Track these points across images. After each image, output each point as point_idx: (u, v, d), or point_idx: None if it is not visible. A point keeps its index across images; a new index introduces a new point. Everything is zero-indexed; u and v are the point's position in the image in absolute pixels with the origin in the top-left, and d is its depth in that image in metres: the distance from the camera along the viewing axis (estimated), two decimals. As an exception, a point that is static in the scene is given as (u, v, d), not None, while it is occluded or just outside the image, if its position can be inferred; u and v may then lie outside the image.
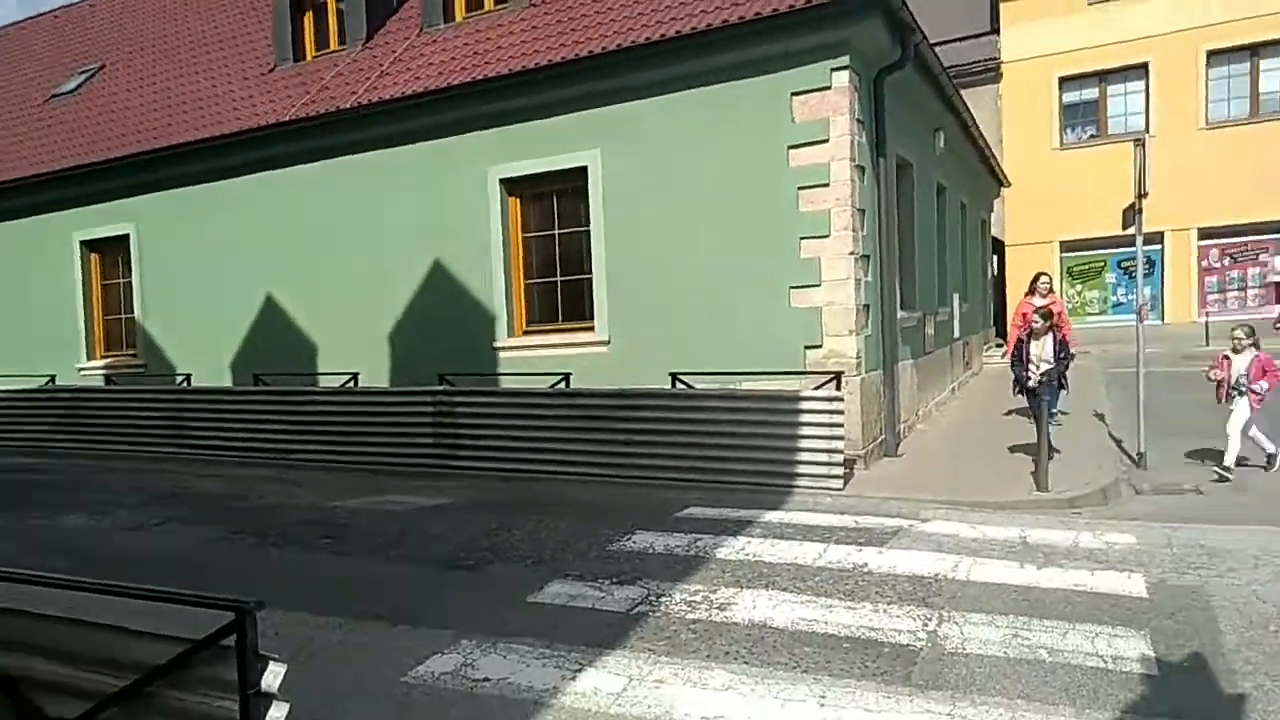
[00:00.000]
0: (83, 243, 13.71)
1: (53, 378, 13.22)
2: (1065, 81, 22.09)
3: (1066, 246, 21.93)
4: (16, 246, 14.30)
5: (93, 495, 9.13)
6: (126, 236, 13.22)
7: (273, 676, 2.38)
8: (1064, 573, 5.47)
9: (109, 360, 13.66)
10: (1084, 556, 5.82)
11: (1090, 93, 22.16)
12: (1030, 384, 8.72)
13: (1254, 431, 8.10)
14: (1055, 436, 8.61)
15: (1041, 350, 8.81)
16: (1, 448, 12.79)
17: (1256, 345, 8.20)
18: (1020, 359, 8.96)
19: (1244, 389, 8.02)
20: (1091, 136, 22.14)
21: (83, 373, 13.66)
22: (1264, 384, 7.97)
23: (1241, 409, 8.05)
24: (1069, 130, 22.43)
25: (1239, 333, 8.25)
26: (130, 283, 13.36)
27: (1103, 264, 22.02)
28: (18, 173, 14.17)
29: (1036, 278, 11.19)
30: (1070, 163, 21.66)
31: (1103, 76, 21.83)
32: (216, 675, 2.42)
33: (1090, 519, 6.91)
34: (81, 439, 12.11)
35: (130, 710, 2.51)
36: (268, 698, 2.37)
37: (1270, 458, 8.09)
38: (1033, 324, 9.00)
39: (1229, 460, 7.95)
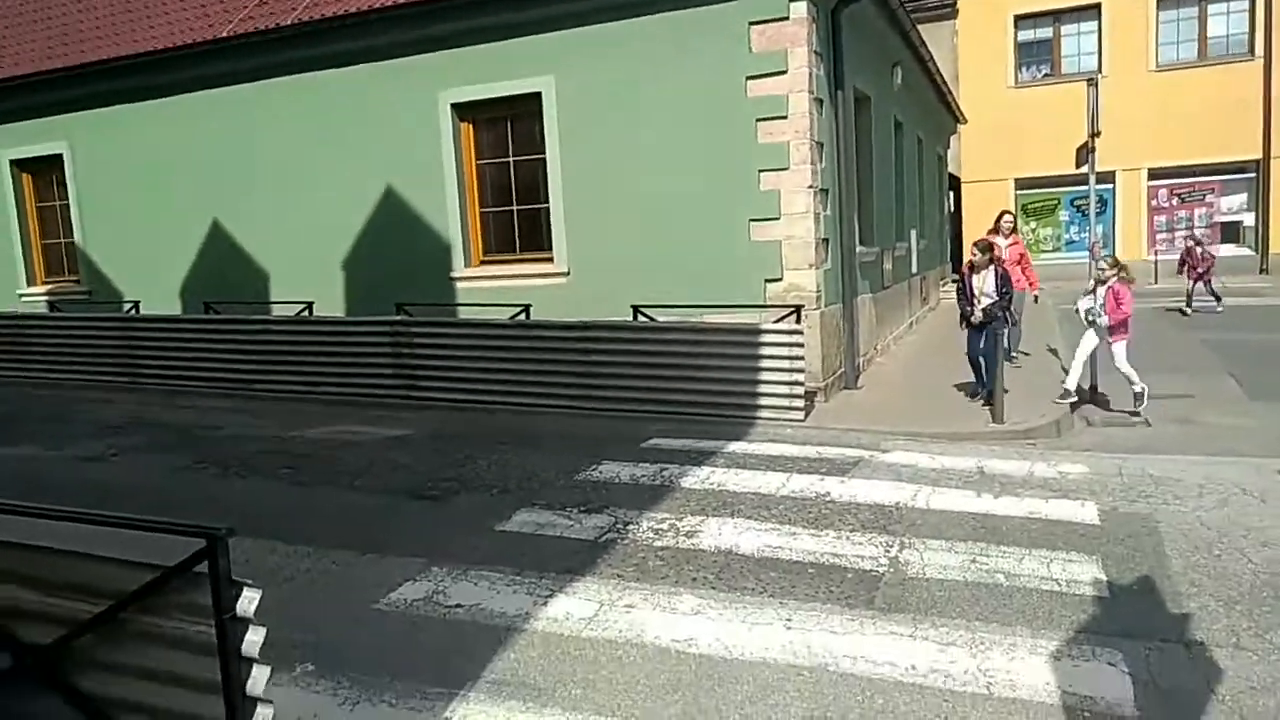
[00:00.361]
0: (12, 162, 13.05)
1: (-9, 304, 12.73)
2: (1020, 20, 22.12)
3: (1021, 184, 22.21)
4: (-59, 165, 13.57)
5: (45, 425, 8.87)
6: (60, 156, 12.59)
7: (247, 602, 2.36)
8: (1020, 501, 5.65)
9: (51, 286, 13.13)
10: (1039, 485, 6.01)
11: (1045, 32, 22.22)
12: (973, 319, 8.70)
13: (1124, 366, 8.18)
14: (1010, 371, 8.78)
15: (983, 284, 8.74)
16: (-65, 377, 12.32)
17: (1121, 278, 8.35)
18: (964, 293, 8.93)
19: (1094, 319, 8.30)
20: (1045, 75, 22.26)
21: (24, 299, 13.14)
22: (1105, 316, 8.21)
23: (1089, 339, 8.41)
24: (1024, 69, 22.52)
25: (1103, 263, 8.49)
26: (67, 205, 12.78)
27: (1056, 202, 22.36)
28: (-64, 86, 13.37)
29: (1000, 216, 11.14)
30: (1025, 101, 21.80)
31: (1057, 16, 21.89)
32: (191, 601, 2.39)
33: (1044, 450, 7.13)
34: (28, 368, 11.66)
35: (106, 636, 2.47)
36: (244, 622, 2.35)
37: (1137, 396, 8.17)
38: (972, 258, 8.92)
39: (1070, 384, 8.38)
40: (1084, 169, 9.37)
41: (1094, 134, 9.04)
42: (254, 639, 2.35)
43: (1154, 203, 21.58)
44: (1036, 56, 22.43)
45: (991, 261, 8.83)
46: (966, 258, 9.24)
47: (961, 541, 4.97)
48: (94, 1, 13.61)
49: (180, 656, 2.37)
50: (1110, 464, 6.50)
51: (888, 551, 4.85)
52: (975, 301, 8.74)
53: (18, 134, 12.83)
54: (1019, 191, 22.35)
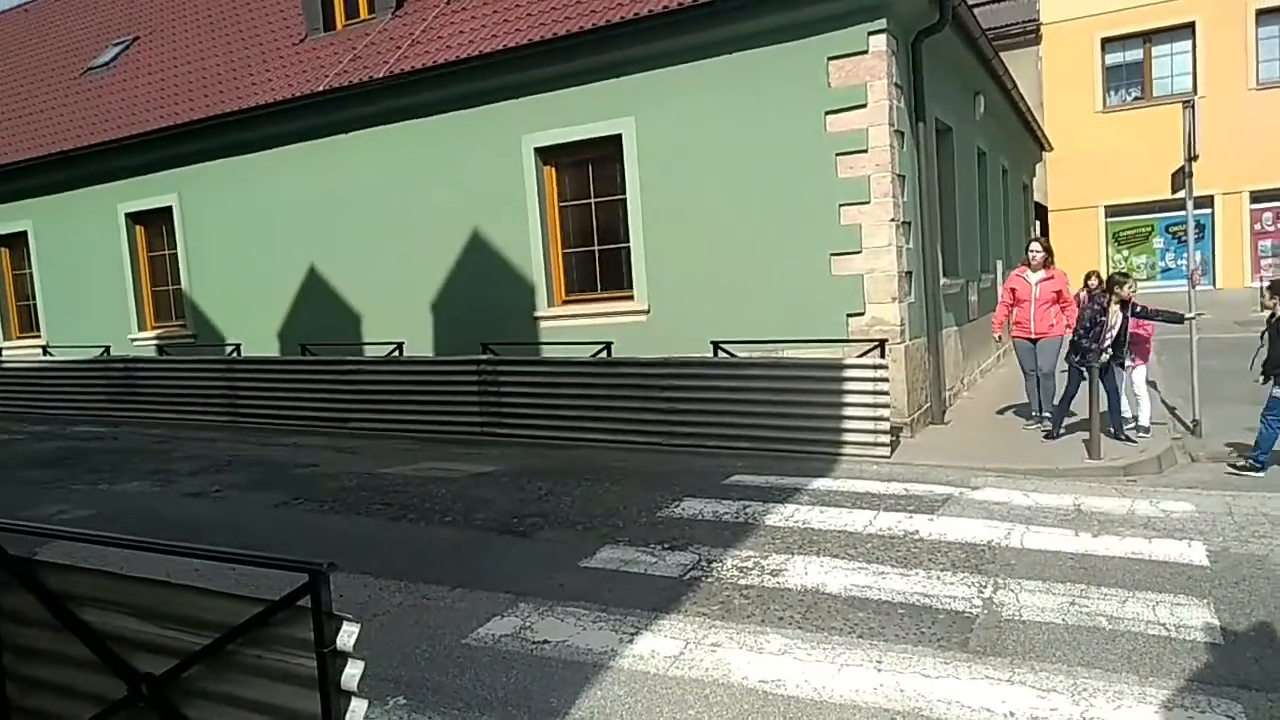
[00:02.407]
0: (127, 215, 13.88)
1: (107, 348, 13.48)
2: (1108, 42, 21.53)
3: (1111, 211, 21.49)
4: (65, 219, 14.51)
5: (152, 463, 9.33)
6: (170, 208, 13.35)
7: (347, 636, 2.41)
8: (1121, 540, 5.42)
9: (160, 330, 13.88)
10: (1141, 524, 5.75)
11: (1134, 54, 21.57)
12: (1104, 359, 8.00)
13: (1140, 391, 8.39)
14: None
15: (1115, 322, 8.07)
16: (62, 416, 13.11)
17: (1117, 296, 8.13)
18: (1090, 328, 8.07)
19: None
20: (1136, 98, 21.59)
21: (135, 343, 13.89)
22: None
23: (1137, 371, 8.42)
24: (1112, 92, 21.88)
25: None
26: (175, 254, 13.52)
27: (1150, 229, 21.56)
28: (59, 146, 14.33)
29: (1028, 246, 9.35)
30: (1114, 125, 21.15)
31: (1147, 37, 21.24)
32: (292, 634, 2.46)
33: (1145, 487, 6.82)
34: (137, 408, 12.37)
35: (213, 666, 2.56)
36: (343, 656, 2.41)
37: (1141, 427, 8.23)
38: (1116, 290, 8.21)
39: (1144, 419, 8.23)
40: (1180, 194, 9.00)
41: (1191, 157, 8.69)
42: (353, 672, 2.40)
43: (1257, 227, 20.60)
44: (1126, 79, 21.78)
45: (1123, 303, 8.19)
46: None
47: (1059, 582, 4.79)
48: (198, 62, 14.46)
49: (282, 688, 2.44)
50: (1218, 502, 6.19)
51: (981, 592, 4.70)
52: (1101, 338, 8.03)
53: (132, 189, 13.66)
54: (1109, 219, 21.63)
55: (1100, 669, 3.81)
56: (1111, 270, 9.49)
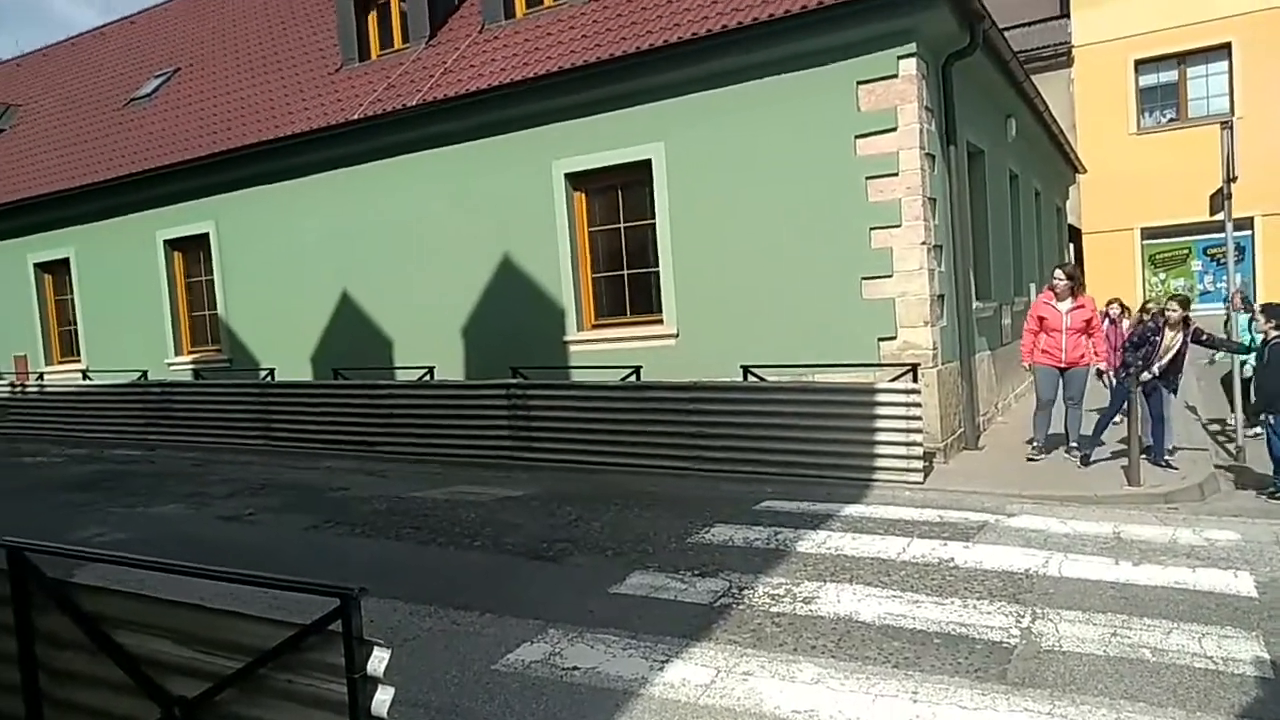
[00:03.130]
0: (166, 241, 14.16)
1: (145, 373, 13.71)
2: (1141, 64, 21.31)
3: (1148, 233, 21.17)
4: (105, 246, 14.84)
5: (188, 486, 9.44)
6: (206, 235, 13.62)
7: (378, 661, 2.40)
8: (1163, 570, 5.29)
9: (196, 355, 14.11)
10: (1184, 553, 5.61)
11: (1169, 75, 21.32)
12: (1143, 376, 7.91)
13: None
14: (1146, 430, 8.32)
15: (1172, 343, 8.04)
16: (100, 439, 13.32)
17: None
18: (1138, 349, 8.12)
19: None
20: (1171, 120, 21.33)
21: (172, 367, 14.13)
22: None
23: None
24: (1147, 114, 21.62)
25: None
26: (212, 279, 13.76)
27: (1187, 251, 21.21)
28: (101, 175, 14.69)
29: (1053, 273, 8.97)
30: (1149, 147, 20.88)
31: (1181, 59, 20.99)
32: (323, 659, 2.46)
33: (1188, 515, 6.67)
34: (173, 431, 12.56)
35: (245, 690, 2.57)
36: (373, 682, 2.40)
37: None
38: (1170, 311, 8.16)
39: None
40: (1219, 216, 8.86)
41: (1230, 179, 8.56)
42: (383, 698, 2.39)
43: (1298, 248, 20.18)
44: (1160, 101, 21.53)
45: (1184, 320, 8.11)
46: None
47: (1100, 613, 4.68)
48: (237, 93, 14.79)
49: (313, 714, 2.44)
50: (1265, 530, 6.03)
51: (1019, 622, 4.60)
52: (1154, 360, 8.00)
53: (171, 216, 13.95)
54: (1145, 241, 21.30)
55: (1145, 702, 3.70)
56: (1159, 294, 9.24)
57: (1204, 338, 8.11)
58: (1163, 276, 21.38)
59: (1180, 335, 8.01)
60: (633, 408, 8.95)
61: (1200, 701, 3.69)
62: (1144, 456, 7.84)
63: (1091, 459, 8.15)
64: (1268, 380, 7.12)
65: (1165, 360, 8.01)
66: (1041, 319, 8.66)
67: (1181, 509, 6.87)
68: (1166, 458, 8.05)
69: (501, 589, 5.49)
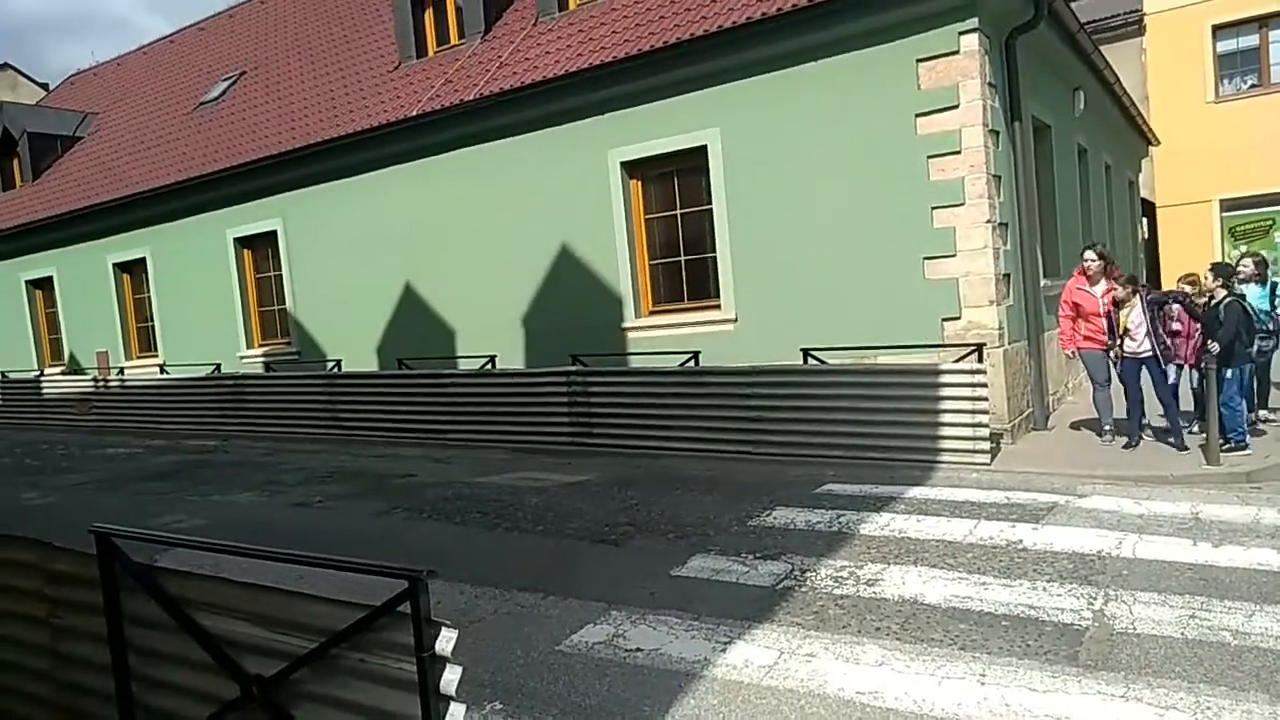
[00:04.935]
0: (236, 239, 14.59)
1: (218, 366, 14.18)
2: (1219, 29, 20.40)
3: (1227, 205, 20.32)
4: (178, 245, 15.36)
5: (261, 475, 9.76)
6: (274, 232, 13.99)
7: (445, 641, 2.45)
8: (1245, 551, 5.10)
9: (266, 348, 14.53)
10: (1267, 534, 5.40)
11: (1249, 40, 20.38)
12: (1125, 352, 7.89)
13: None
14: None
15: (1128, 318, 7.87)
16: (177, 431, 13.84)
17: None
18: (1111, 332, 7.99)
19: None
20: (1253, 86, 20.40)
21: (244, 360, 14.58)
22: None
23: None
24: (1225, 81, 20.71)
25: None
26: (280, 275, 14.15)
27: (1270, 222, 20.32)
28: (173, 176, 15.20)
29: (1083, 253, 8.54)
30: (1229, 115, 20.01)
31: (1263, 21, 20.05)
32: (393, 639, 2.52)
33: (1272, 495, 6.40)
34: (245, 422, 13.00)
35: (319, 670, 2.65)
36: (442, 661, 2.45)
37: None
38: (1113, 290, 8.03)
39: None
40: (1304, 184, 8.48)
41: (1316, 144, 8.18)
42: (451, 677, 2.44)
43: (1391, 215, 19.19)
44: (1241, 67, 20.60)
45: (1135, 292, 7.98)
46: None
47: (1177, 594, 4.54)
48: (300, 94, 15.12)
49: (383, 692, 2.50)
50: (1355, 510, 5.77)
51: (1091, 604, 4.49)
52: (1131, 340, 7.89)
53: (240, 215, 14.38)
54: (1224, 213, 20.47)
55: (1225, 686, 3.59)
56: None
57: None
58: (1243, 249, 20.53)
59: (1138, 305, 7.87)
60: (691, 393, 8.95)
61: (1285, 686, 3.57)
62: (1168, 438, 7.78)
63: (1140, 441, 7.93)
64: (1223, 337, 7.25)
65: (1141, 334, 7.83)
66: (1078, 305, 8.31)
67: (1264, 489, 6.60)
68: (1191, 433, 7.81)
69: (564, 572, 5.55)
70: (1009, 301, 8.75)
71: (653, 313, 10.53)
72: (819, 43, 8.88)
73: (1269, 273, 8.43)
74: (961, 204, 8.38)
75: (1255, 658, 3.82)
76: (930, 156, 8.48)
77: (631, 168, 10.44)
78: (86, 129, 20.44)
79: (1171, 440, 7.79)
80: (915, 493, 6.86)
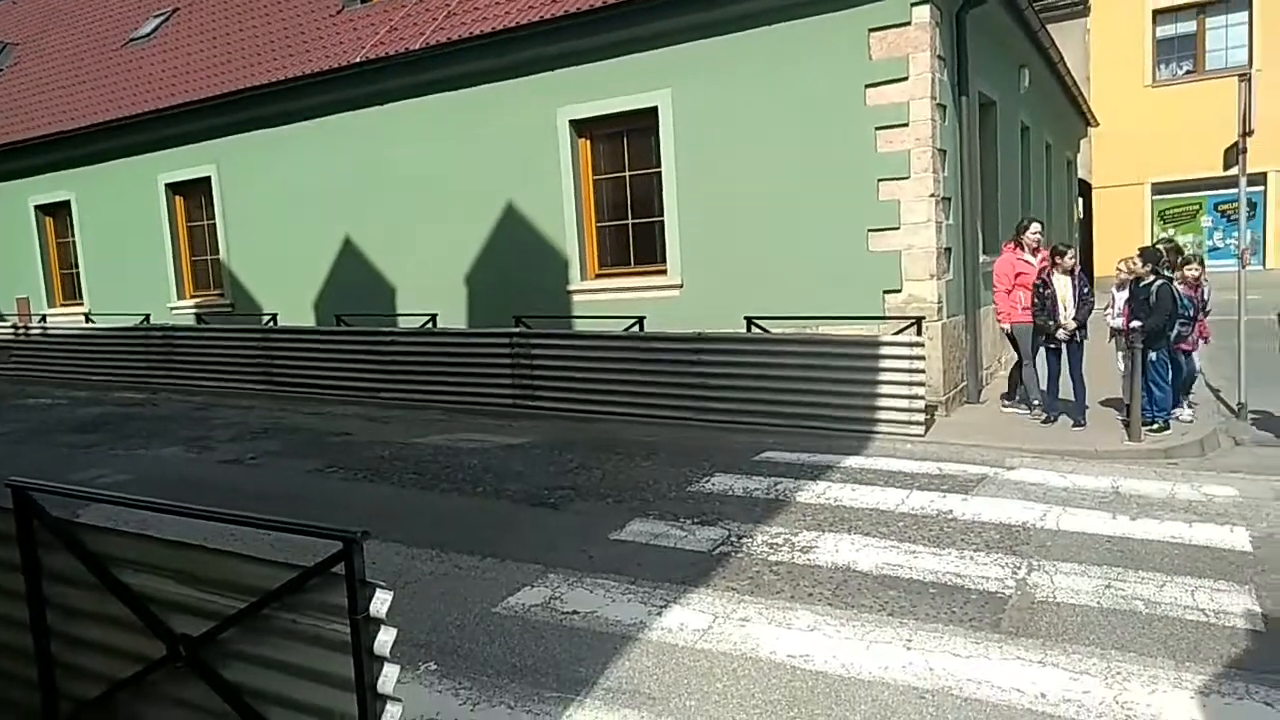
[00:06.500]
0: (167, 185, 14.05)
1: (147, 316, 13.70)
2: (1160, 14, 20.88)
3: (1158, 189, 20.96)
4: (106, 189, 14.73)
5: (190, 429, 9.49)
6: (208, 178, 13.51)
7: (380, 603, 2.43)
8: (1160, 524, 5.32)
9: (198, 299, 14.09)
10: (1181, 508, 5.65)
11: (1187, 26, 20.91)
12: (1059, 334, 7.96)
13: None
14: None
15: (1064, 292, 7.96)
16: (102, 382, 13.37)
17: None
18: (1044, 306, 8.01)
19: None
20: (1188, 72, 20.96)
21: (174, 311, 14.11)
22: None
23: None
24: (1163, 66, 21.25)
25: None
26: (214, 224, 13.68)
27: (1198, 207, 21.01)
28: (101, 116, 14.51)
29: (1026, 228, 8.72)
30: (1164, 100, 20.56)
31: (1201, 9, 20.58)
32: (326, 600, 2.49)
33: (1187, 470, 6.70)
34: (176, 375, 12.59)
35: (249, 630, 2.61)
36: (376, 623, 2.43)
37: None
38: (1044, 263, 8.15)
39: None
40: (1233, 171, 8.74)
41: (1245, 133, 8.43)
42: (385, 639, 2.43)
43: (1311, 205, 19.97)
44: (1178, 53, 21.14)
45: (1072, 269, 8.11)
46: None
47: (1095, 565, 4.72)
48: (236, 34, 14.54)
49: (316, 653, 2.48)
50: (1263, 487, 6.06)
51: (1015, 573, 4.65)
52: (1064, 312, 7.94)
53: (172, 159, 13.83)
54: (1155, 197, 21.10)
55: (1135, 653, 3.76)
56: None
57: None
58: (1172, 232, 21.20)
59: (1068, 282, 7.99)
60: (635, 358, 8.95)
61: (1190, 652, 3.74)
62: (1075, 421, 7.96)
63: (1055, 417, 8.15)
64: (1153, 320, 7.44)
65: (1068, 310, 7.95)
66: (1018, 275, 8.45)
67: (1181, 465, 6.90)
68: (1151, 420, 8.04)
69: (502, 534, 5.54)
70: (949, 276, 8.90)
71: (598, 276, 10.48)
72: (773, 6, 8.84)
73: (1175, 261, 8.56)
74: (907, 177, 8.48)
75: (1164, 626, 4.00)
76: (879, 128, 8.54)
77: (581, 126, 10.30)
78: (6, 60, 19.38)
79: (1079, 419, 7.94)
80: (851, 462, 6.99)
